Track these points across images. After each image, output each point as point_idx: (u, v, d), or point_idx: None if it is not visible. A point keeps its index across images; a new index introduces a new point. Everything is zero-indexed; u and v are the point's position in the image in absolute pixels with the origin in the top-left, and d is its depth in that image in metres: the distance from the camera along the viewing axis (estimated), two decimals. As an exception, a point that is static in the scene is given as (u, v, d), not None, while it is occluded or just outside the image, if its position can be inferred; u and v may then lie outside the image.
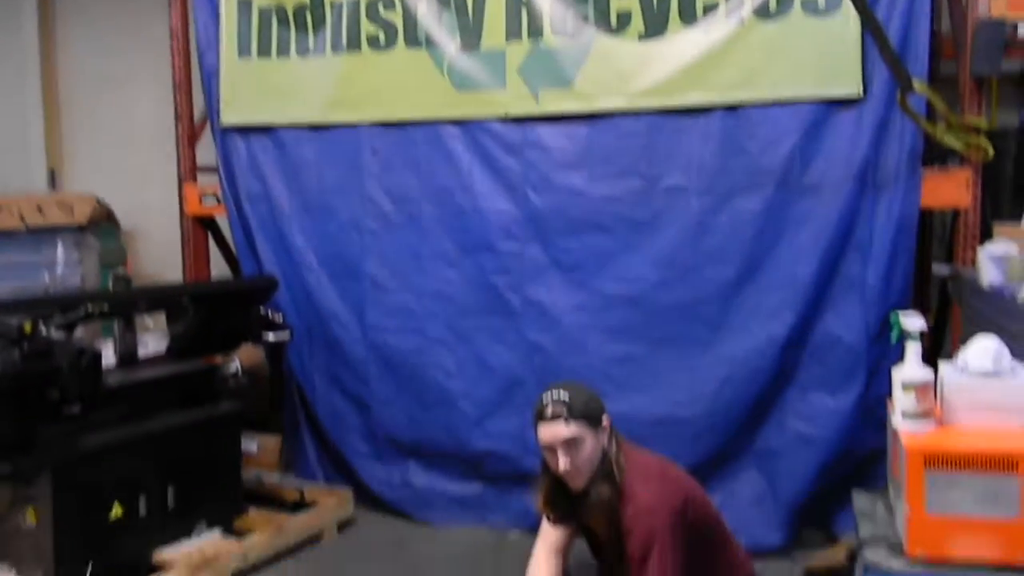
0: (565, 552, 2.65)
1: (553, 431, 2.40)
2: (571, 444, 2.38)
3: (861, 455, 3.87)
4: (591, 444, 2.38)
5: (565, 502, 2.51)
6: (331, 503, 4.40)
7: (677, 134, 4.05)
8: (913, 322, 2.51)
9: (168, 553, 3.78)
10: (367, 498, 4.63)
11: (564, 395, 2.40)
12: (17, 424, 3.40)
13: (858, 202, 3.84)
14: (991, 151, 3.71)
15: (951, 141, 3.67)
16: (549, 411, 2.39)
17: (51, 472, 3.40)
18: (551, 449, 2.42)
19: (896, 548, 2.27)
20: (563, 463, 2.41)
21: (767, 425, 4.04)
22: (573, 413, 2.38)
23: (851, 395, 3.87)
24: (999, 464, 2.18)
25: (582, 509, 2.45)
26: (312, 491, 4.51)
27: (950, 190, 3.84)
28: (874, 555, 2.26)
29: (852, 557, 3.39)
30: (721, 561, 2.41)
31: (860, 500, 2.70)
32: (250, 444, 4.73)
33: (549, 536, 2.64)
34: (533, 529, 4.30)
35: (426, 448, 4.50)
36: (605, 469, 2.37)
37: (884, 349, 3.71)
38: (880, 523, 2.46)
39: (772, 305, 3.95)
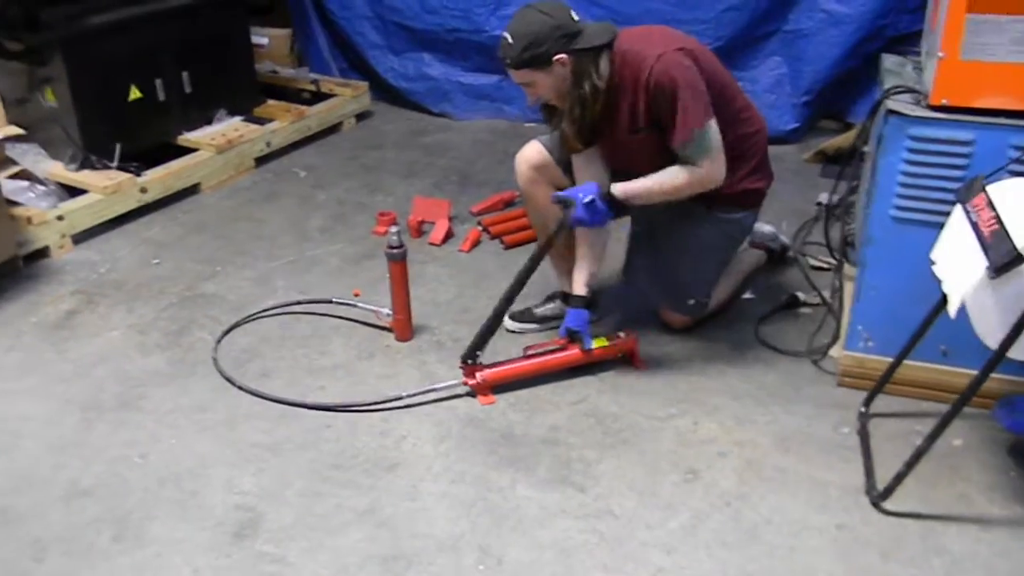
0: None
1: (509, 72, 2.27)
2: (525, 85, 2.28)
3: (893, 36, 3.72)
4: (546, 81, 2.23)
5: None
6: (347, 95, 4.38)
7: None
8: None
9: (193, 136, 3.84)
10: (384, 91, 4.61)
11: (508, 37, 2.18)
12: (21, 4, 3.29)
13: None
14: None
15: None
16: (500, 52, 2.22)
17: (61, 50, 3.35)
18: None
19: (920, 98, 2.23)
20: (530, 99, 2.34)
21: (798, 4, 3.84)
22: (514, 61, 2.19)
23: (893, -29, 3.64)
24: (1046, 6, 2.07)
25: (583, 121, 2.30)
26: (327, 83, 4.47)
27: None
28: (896, 103, 2.22)
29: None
30: (739, 115, 2.38)
31: (888, 61, 2.61)
32: (260, 38, 4.59)
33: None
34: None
35: (441, 36, 4.36)
36: (580, 93, 2.22)
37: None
38: (907, 79, 2.40)
39: None
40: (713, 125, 2.24)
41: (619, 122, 2.34)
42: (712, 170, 2.28)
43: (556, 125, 2.37)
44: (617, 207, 2.33)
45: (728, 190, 2.34)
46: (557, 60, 2.20)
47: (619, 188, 2.32)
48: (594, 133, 2.35)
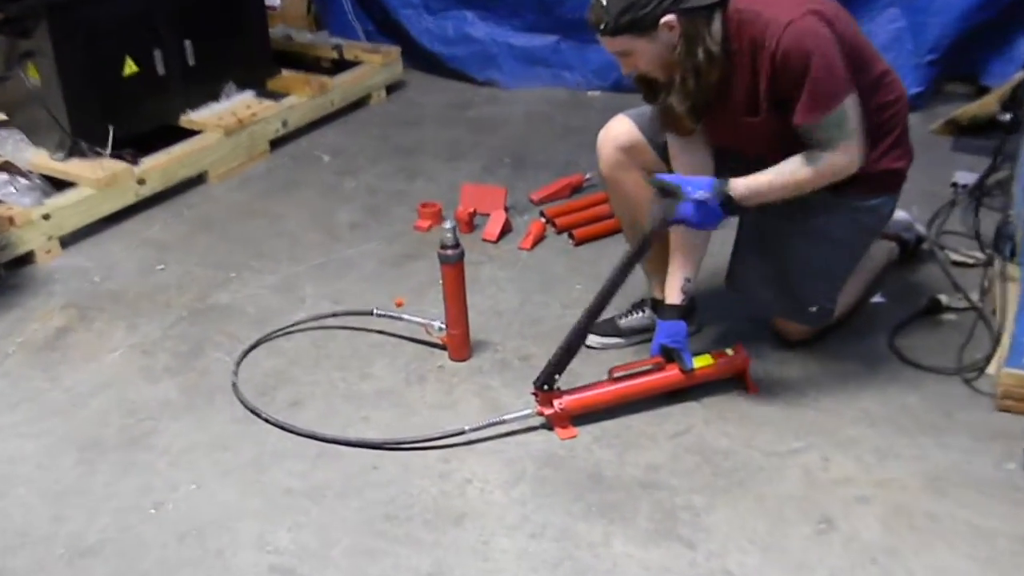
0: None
1: (601, 39, 2.16)
2: (622, 55, 2.18)
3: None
4: (649, 50, 2.13)
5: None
6: (376, 62, 4.34)
7: None
8: None
9: (197, 116, 3.81)
10: (419, 57, 4.57)
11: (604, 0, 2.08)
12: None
13: None
14: None
15: None
16: (591, 16, 2.11)
17: (46, 19, 3.30)
18: None
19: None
20: (624, 70, 2.24)
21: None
22: (610, 27, 2.10)
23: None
24: None
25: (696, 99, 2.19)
26: (352, 49, 4.43)
27: None
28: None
29: (1009, 103, 3.23)
30: (880, 81, 2.24)
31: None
32: (272, -1, 4.56)
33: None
34: (617, 88, 4.32)
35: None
36: (694, 62, 2.10)
37: None
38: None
39: None
40: (852, 102, 2.11)
41: (733, 100, 2.21)
42: (849, 155, 2.15)
43: (663, 101, 2.24)
44: (731, 207, 2.19)
45: (865, 170, 2.20)
46: (664, 23, 2.07)
47: (740, 186, 2.18)
48: (707, 108, 2.22)
